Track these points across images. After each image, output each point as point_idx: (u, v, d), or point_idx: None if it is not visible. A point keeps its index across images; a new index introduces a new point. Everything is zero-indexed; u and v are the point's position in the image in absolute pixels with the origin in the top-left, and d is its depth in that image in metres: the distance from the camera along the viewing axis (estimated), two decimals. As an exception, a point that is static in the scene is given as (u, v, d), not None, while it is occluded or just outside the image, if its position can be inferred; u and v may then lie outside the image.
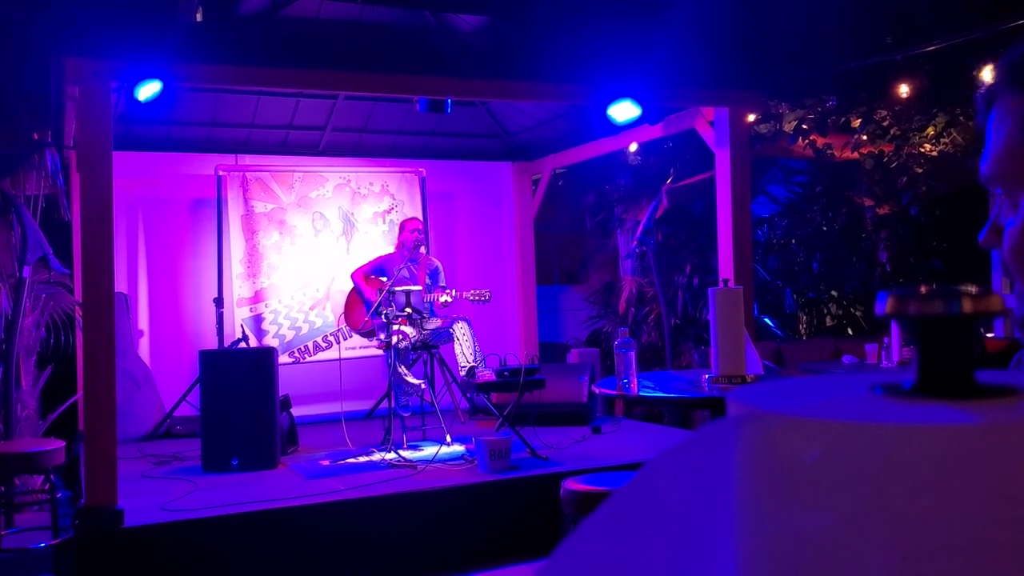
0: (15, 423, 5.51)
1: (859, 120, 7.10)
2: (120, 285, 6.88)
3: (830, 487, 0.41)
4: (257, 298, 7.51)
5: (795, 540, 0.42)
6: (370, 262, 6.83)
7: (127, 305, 7.22)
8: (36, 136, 5.86)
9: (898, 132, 7.21)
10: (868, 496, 0.41)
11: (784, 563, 0.43)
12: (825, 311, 9.55)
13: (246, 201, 7.53)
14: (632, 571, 0.49)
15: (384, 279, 6.52)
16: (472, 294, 6.31)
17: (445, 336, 6.32)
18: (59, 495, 5.01)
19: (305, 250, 7.69)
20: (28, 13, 5.18)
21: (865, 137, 7.30)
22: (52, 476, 4.90)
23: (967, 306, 0.48)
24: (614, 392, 3.58)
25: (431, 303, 6.41)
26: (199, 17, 5.42)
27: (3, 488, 4.91)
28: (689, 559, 0.48)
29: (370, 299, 6.52)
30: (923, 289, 0.50)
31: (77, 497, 5.30)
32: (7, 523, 5.09)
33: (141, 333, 7.48)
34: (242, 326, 7.35)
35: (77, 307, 5.81)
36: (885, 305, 0.50)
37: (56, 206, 6.15)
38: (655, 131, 6.87)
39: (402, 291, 6.05)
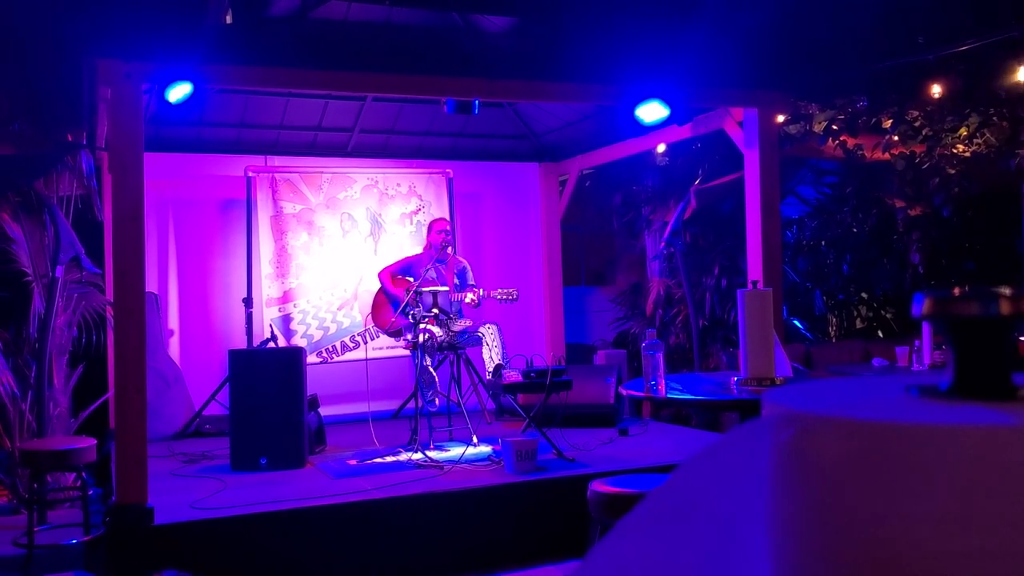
0: (47, 421, 5.58)
1: (890, 120, 7.02)
2: (151, 285, 6.95)
3: (868, 486, 0.41)
4: (286, 298, 7.56)
5: (834, 538, 0.42)
6: (397, 262, 6.84)
7: (157, 305, 7.29)
8: (70, 137, 5.94)
9: (930, 132, 7.13)
10: (906, 495, 0.40)
11: (822, 560, 0.43)
12: (855, 313, 9.46)
13: (275, 202, 7.58)
14: (668, 570, 0.49)
15: (411, 279, 6.53)
16: (499, 293, 6.30)
17: (473, 339, 6.31)
18: (90, 492, 5.06)
19: (333, 251, 7.73)
20: (62, 16, 5.25)
21: (896, 138, 7.22)
22: (83, 474, 4.96)
23: (1005, 308, 0.48)
24: (641, 394, 3.56)
25: (459, 303, 6.41)
26: (229, 19, 5.46)
27: (36, 485, 4.97)
28: (724, 557, 0.48)
29: (396, 298, 6.53)
30: (959, 291, 0.49)
31: (108, 494, 5.35)
32: (40, 520, 5.15)
33: (171, 333, 7.55)
34: (271, 326, 7.40)
35: (108, 307, 5.87)
36: (922, 306, 0.49)
37: (89, 207, 6.22)
38: (683, 132, 6.83)
39: (429, 291, 6.06)
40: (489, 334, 6.25)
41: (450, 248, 6.65)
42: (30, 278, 5.92)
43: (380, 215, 7.92)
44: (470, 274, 6.65)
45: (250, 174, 7.51)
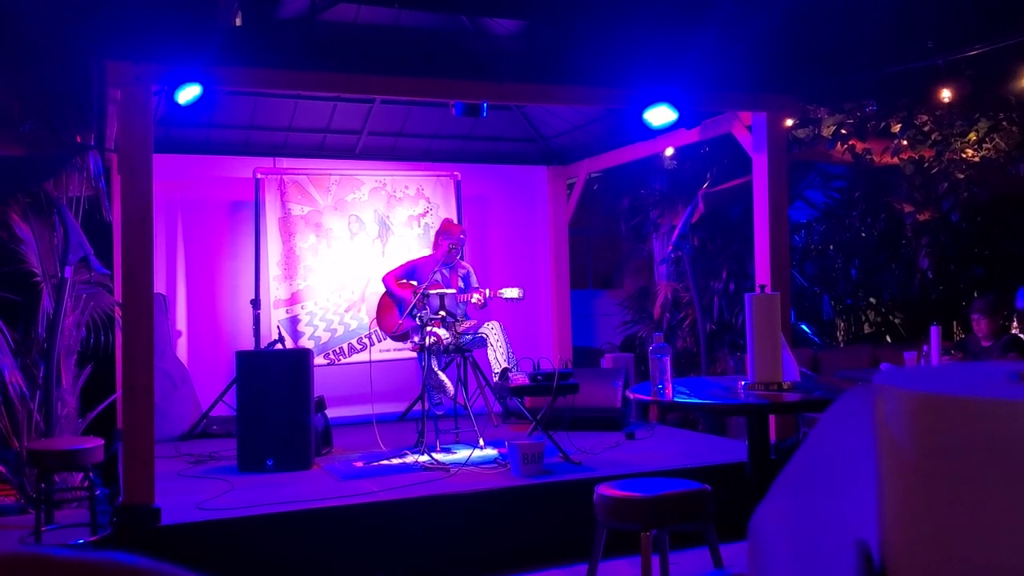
0: (55, 421, 5.60)
1: (899, 125, 7.01)
2: (159, 286, 6.97)
3: (976, 456, 0.43)
4: (293, 300, 7.57)
5: (937, 507, 0.44)
6: (400, 266, 6.82)
7: (165, 306, 7.31)
8: (79, 139, 5.96)
9: (939, 137, 7.11)
10: (1011, 464, 0.43)
11: (929, 529, 0.45)
12: (863, 318, 9.43)
13: (283, 204, 7.59)
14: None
15: (415, 283, 6.52)
16: (506, 291, 6.30)
17: (478, 341, 6.31)
18: (97, 492, 5.08)
19: (341, 253, 7.74)
20: (72, 18, 5.27)
21: (905, 142, 7.21)
22: (91, 474, 4.97)
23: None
24: (648, 398, 3.55)
25: (464, 305, 6.42)
26: (238, 22, 5.47)
27: (43, 485, 4.99)
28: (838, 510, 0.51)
29: (403, 300, 6.54)
30: None
31: (115, 495, 5.37)
32: (47, 519, 5.17)
33: (179, 333, 7.57)
34: (278, 327, 7.41)
35: (117, 307, 5.89)
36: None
37: (97, 208, 6.25)
38: (691, 135, 6.83)
39: (436, 294, 6.07)
40: (492, 333, 6.24)
41: (458, 255, 6.65)
42: (39, 278, 5.95)
43: (388, 217, 7.93)
44: (474, 278, 6.65)
45: (258, 176, 7.53)
